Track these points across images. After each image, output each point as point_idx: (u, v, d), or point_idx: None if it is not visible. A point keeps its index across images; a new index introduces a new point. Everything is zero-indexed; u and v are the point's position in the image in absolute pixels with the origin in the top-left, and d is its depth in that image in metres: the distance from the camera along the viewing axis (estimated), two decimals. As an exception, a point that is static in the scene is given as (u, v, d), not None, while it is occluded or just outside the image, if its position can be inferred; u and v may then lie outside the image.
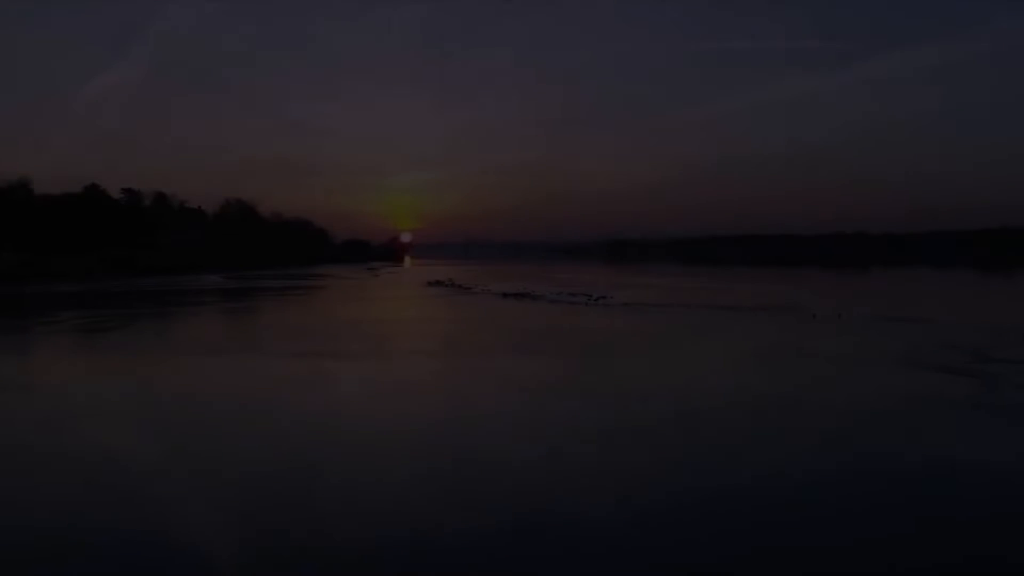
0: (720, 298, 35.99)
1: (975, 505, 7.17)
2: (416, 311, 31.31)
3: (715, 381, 14.34)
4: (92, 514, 6.90)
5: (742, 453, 8.98)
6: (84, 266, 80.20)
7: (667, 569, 5.74)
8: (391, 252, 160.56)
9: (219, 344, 20.33)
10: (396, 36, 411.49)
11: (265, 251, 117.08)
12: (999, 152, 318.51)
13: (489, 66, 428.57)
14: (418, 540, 6.17)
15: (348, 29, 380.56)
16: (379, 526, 6.51)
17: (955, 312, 29.17)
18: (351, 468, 8.42)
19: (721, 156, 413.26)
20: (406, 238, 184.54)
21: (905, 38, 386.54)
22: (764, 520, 6.67)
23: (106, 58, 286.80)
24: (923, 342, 18.81)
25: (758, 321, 25.27)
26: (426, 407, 12.00)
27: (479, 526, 6.52)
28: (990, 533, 6.48)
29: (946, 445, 9.49)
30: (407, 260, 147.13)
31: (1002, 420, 10.89)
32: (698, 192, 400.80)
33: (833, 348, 18.51)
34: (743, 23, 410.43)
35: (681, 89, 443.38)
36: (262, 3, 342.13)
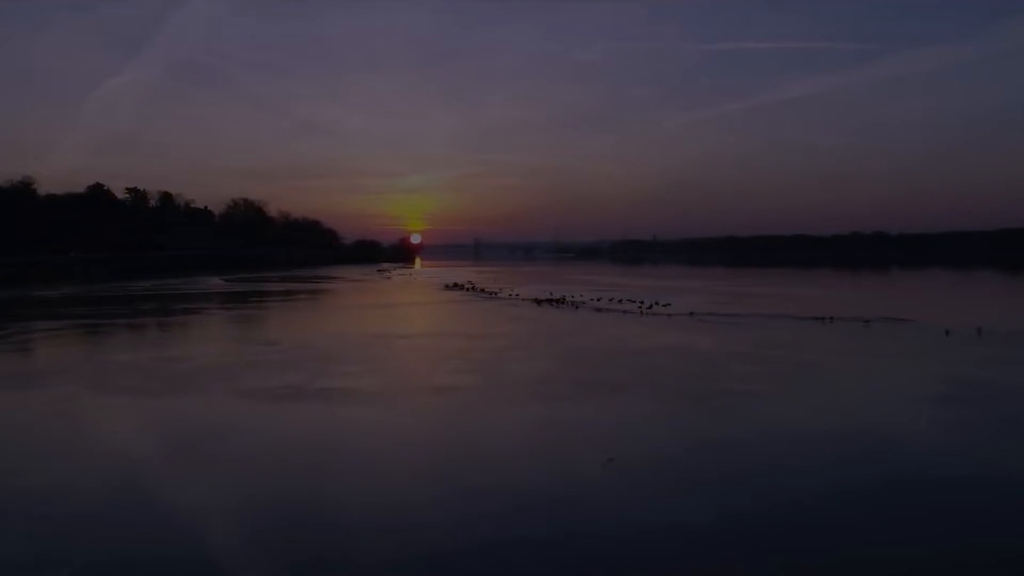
0: (793, 305, 29.80)
1: None
2: (441, 322, 25.14)
3: (965, 458, 8.19)
4: None
5: None
6: (82, 267, 74.37)
7: None
8: (402, 253, 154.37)
9: (177, 374, 14.28)
10: (406, 37, 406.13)
11: (272, 252, 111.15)
12: (1019, 152, 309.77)
13: (499, 66, 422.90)
14: None
15: (358, 30, 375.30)
16: None
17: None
18: None
19: (732, 157, 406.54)
20: (415, 239, 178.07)
21: (917, 38, 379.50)
22: None
23: (118, 61, 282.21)
24: None
25: (885, 338, 19.13)
26: (486, 518, 5.93)
27: None
28: None
29: None
30: (417, 261, 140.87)
31: None
32: (709, 193, 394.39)
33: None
34: (755, 24, 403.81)
35: (691, 90, 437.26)
36: (272, 5, 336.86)
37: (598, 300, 32.46)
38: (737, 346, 17.78)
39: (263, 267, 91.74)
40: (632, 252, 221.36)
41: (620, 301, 31.54)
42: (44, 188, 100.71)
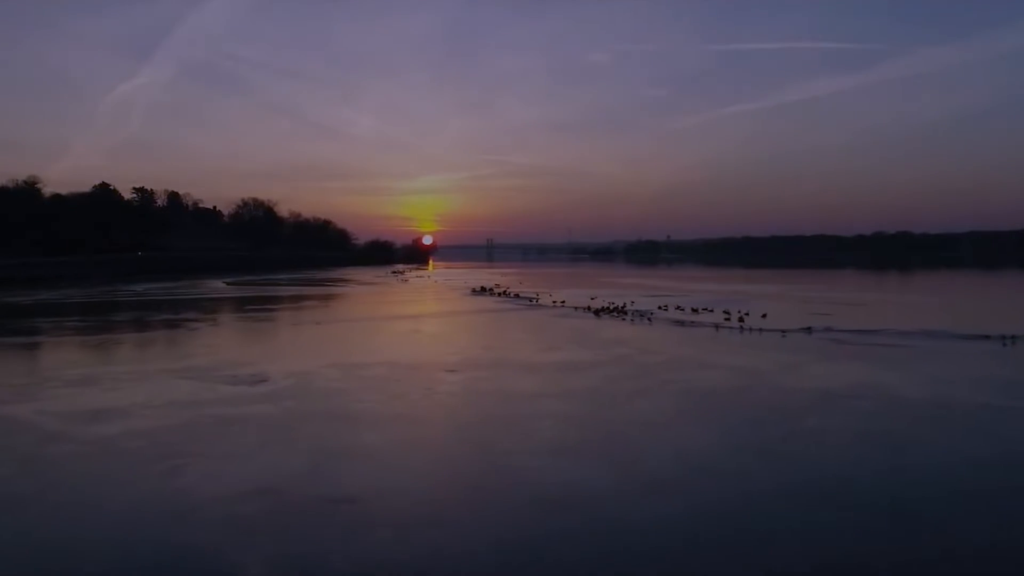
0: (919, 317, 23.39)
1: None
2: (489, 343, 18.65)
3: None
4: None
5: None
6: (78, 269, 68.27)
7: None
8: (415, 254, 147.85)
9: (74, 454, 8.04)
10: (418, 39, 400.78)
11: (282, 253, 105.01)
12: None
13: (510, 68, 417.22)
14: None
15: (370, 32, 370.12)
16: None
17: None
18: None
19: (744, 157, 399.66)
20: (428, 240, 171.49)
21: (931, 37, 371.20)
22: None
23: (131, 64, 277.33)
24: None
25: None
26: None
27: None
28: None
29: None
30: (430, 263, 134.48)
31: None
32: (721, 193, 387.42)
33: None
34: (766, 24, 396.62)
35: (702, 90, 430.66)
36: (285, 7, 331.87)
37: (663, 309, 26.05)
38: (967, 391, 11.36)
39: (272, 268, 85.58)
40: (647, 252, 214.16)
41: (695, 311, 25.10)
42: (57, 190, 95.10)
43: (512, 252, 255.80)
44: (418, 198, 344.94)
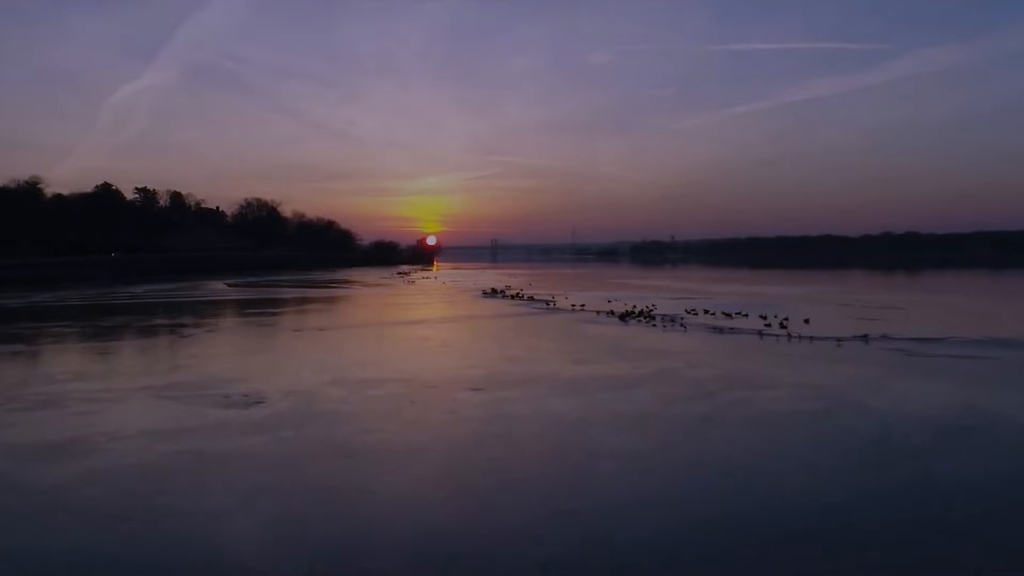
0: (987, 323, 21.40)
1: None
2: (511, 354, 16.62)
3: None
4: None
5: None
6: (77, 270, 66.39)
7: None
8: (420, 255, 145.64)
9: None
10: (421, 40, 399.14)
11: (286, 253, 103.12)
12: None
13: (513, 68, 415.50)
14: None
15: (374, 33, 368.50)
16: None
17: None
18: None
19: (748, 158, 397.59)
20: (432, 241, 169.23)
21: (934, 38, 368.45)
22: None
23: (135, 65, 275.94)
24: None
25: None
26: None
27: None
28: None
29: None
30: (435, 263, 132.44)
31: None
32: (725, 194, 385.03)
33: None
34: (769, 24, 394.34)
35: (706, 91, 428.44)
36: (288, 9, 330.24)
37: (692, 313, 24.09)
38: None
39: (276, 269, 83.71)
40: (653, 253, 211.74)
41: (728, 315, 23.12)
42: (61, 191, 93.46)
43: (516, 252, 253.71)
44: (422, 199, 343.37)
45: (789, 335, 18.15)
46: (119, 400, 11.20)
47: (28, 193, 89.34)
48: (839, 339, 17.16)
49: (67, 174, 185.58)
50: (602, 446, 8.26)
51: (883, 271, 78.46)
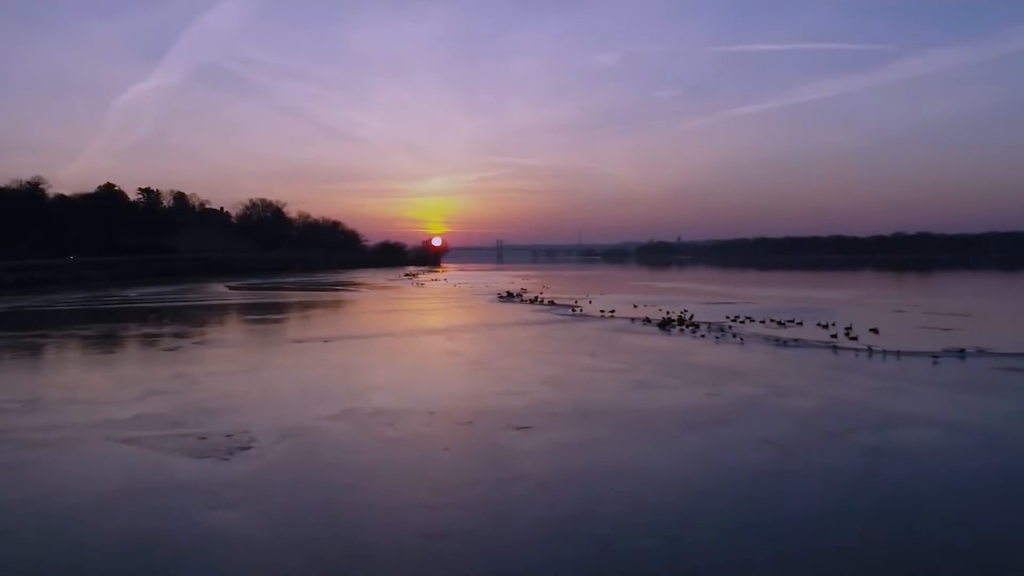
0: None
1: None
2: (547, 375, 13.83)
3: None
4: None
5: None
6: (77, 271, 63.84)
7: None
8: (427, 256, 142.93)
9: None
10: (426, 41, 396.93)
11: (291, 255, 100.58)
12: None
13: (519, 69, 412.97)
14: None
15: (379, 35, 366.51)
16: None
17: None
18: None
19: (754, 158, 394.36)
20: (438, 242, 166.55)
21: (940, 38, 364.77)
22: None
23: (142, 67, 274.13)
24: None
25: None
26: None
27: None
28: None
29: None
30: (442, 265, 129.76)
31: None
32: (732, 195, 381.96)
33: None
34: (775, 25, 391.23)
35: (712, 92, 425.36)
36: (294, 11, 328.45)
37: (738, 321, 21.40)
38: None
39: (280, 270, 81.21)
40: (660, 254, 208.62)
41: (782, 323, 20.43)
42: (67, 192, 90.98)
43: (522, 254, 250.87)
44: (427, 200, 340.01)
45: (870, 349, 15.44)
46: (64, 443, 8.56)
47: (30, 194, 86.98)
48: (934, 355, 14.46)
49: (74, 176, 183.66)
50: (716, 529, 5.58)
51: (896, 272, 75.68)
